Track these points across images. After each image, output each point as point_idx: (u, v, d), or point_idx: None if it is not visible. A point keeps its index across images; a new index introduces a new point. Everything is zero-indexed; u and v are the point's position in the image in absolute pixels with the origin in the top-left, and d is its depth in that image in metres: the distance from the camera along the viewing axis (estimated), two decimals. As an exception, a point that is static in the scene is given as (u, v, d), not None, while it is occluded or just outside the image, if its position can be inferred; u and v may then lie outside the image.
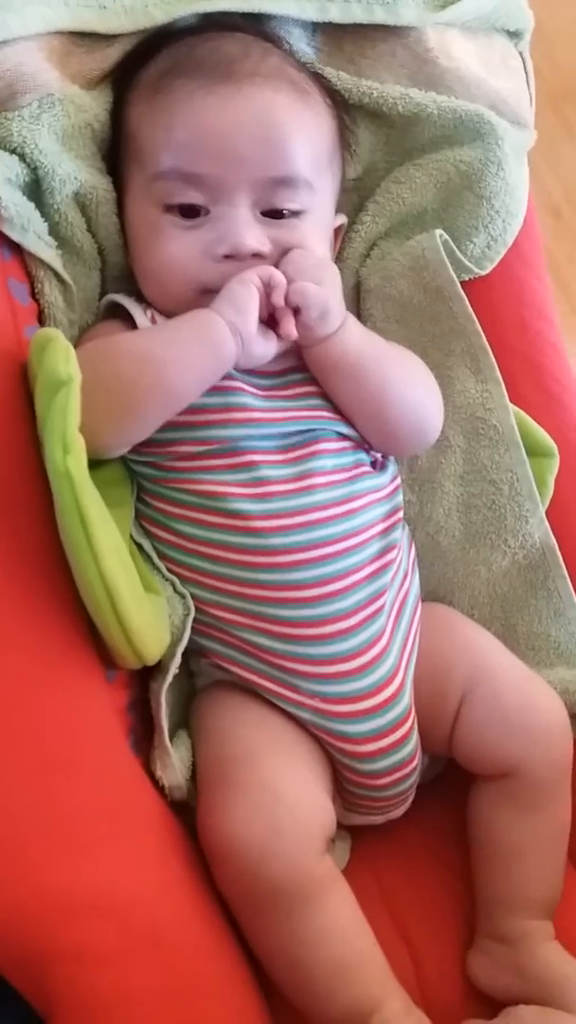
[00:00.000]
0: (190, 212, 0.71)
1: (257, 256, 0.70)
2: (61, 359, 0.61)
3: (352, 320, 0.73)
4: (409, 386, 0.74)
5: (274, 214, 0.72)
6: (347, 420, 0.74)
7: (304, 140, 0.72)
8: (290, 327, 0.68)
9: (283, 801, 0.63)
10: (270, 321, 0.69)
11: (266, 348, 0.69)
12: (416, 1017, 0.64)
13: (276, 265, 0.70)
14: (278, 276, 0.68)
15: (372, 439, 0.75)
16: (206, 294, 0.70)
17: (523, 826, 0.71)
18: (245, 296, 0.67)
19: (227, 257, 0.70)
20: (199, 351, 0.67)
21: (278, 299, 0.68)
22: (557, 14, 0.95)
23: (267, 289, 0.68)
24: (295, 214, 0.72)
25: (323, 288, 0.69)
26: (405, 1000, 0.64)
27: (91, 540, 0.59)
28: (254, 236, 0.70)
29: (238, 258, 0.70)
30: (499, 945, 0.70)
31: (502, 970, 0.69)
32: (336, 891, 0.65)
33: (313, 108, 0.74)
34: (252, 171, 0.70)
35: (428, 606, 0.78)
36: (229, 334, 0.67)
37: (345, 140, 0.80)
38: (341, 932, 0.64)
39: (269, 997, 0.66)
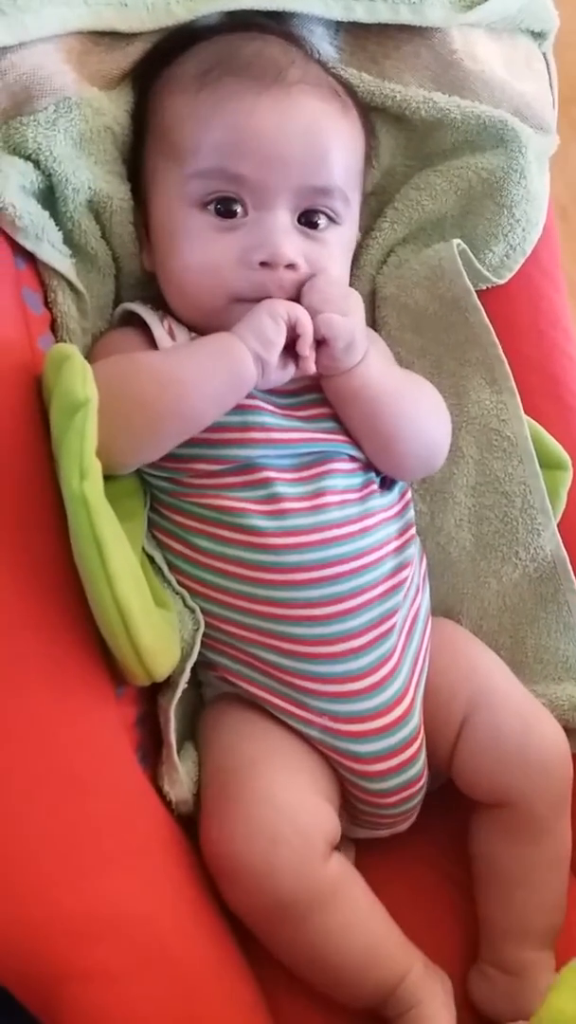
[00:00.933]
0: (228, 211, 0.69)
1: (290, 268, 0.69)
2: (79, 380, 0.60)
3: (372, 352, 0.72)
4: (421, 421, 0.74)
5: (311, 224, 0.71)
6: (357, 444, 0.73)
7: (344, 152, 0.72)
8: (310, 364, 0.68)
9: (283, 813, 0.63)
10: (290, 348, 0.68)
11: (283, 375, 0.68)
12: (434, 975, 0.67)
13: (302, 284, 0.69)
14: (305, 320, 0.67)
15: (379, 465, 0.75)
16: (233, 303, 0.69)
17: (522, 856, 0.71)
18: (273, 331, 0.66)
19: (263, 264, 0.69)
20: (220, 378, 0.66)
21: (302, 347, 0.67)
22: (565, 15, 0.93)
23: (291, 327, 0.67)
24: (330, 224, 0.72)
25: (349, 320, 0.68)
26: (424, 962, 0.67)
27: (106, 564, 0.58)
28: (292, 245, 0.69)
29: (272, 267, 0.68)
30: (501, 974, 0.70)
31: (501, 998, 0.70)
32: (347, 887, 0.66)
33: (350, 119, 0.74)
34: (295, 178, 0.69)
35: (435, 622, 0.78)
36: (252, 364, 0.66)
37: (368, 155, 0.79)
38: (359, 923, 0.65)
39: (272, 997, 0.66)
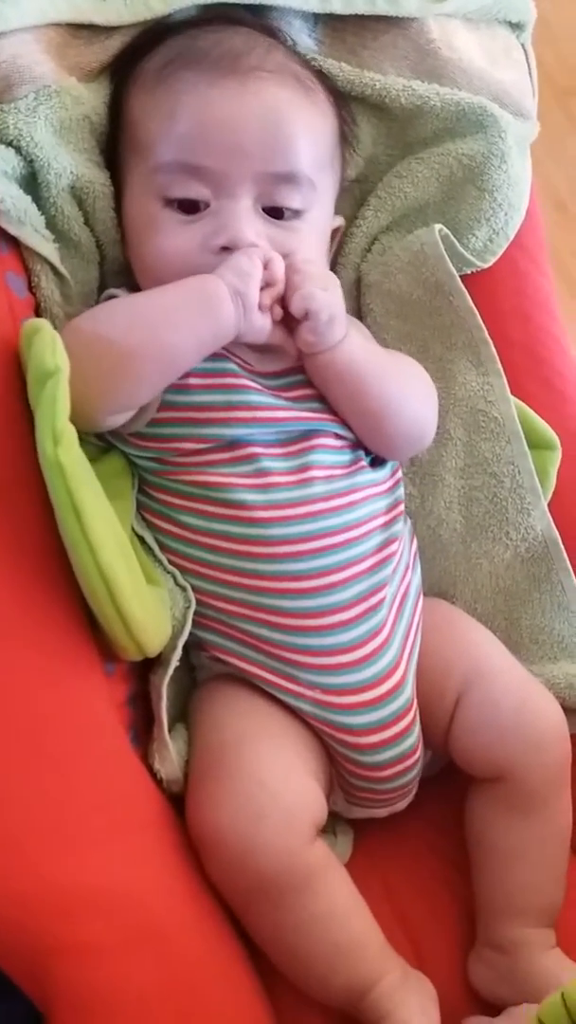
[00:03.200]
0: (191, 207, 0.70)
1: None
2: (48, 349, 0.60)
3: (354, 332, 0.72)
4: (407, 400, 0.74)
5: (275, 213, 0.71)
6: (345, 423, 0.74)
7: (308, 137, 0.72)
8: (275, 315, 0.68)
9: (267, 788, 0.63)
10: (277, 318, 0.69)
11: (265, 321, 0.68)
12: (411, 984, 0.65)
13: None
14: (278, 263, 0.67)
15: (368, 444, 0.75)
16: None
17: (518, 831, 0.70)
18: (248, 264, 0.66)
19: (224, 249, 0.69)
20: (196, 309, 0.66)
21: (263, 297, 0.67)
22: (562, 8, 0.95)
23: (265, 271, 0.67)
24: (296, 214, 0.72)
25: (329, 294, 0.69)
26: (403, 971, 0.65)
27: (87, 532, 0.58)
28: (253, 229, 0.70)
29: (235, 250, 0.69)
30: (498, 955, 0.69)
31: (502, 980, 0.68)
32: (329, 876, 0.65)
33: (318, 105, 0.74)
34: (255, 166, 0.70)
35: (430, 602, 0.78)
36: (228, 295, 0.66)
37: (346, 139, 0.80)
38: (335, 916, 0.64)
39: (270, 983, 0.66)
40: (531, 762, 0.70)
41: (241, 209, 0.70)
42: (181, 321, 0.66)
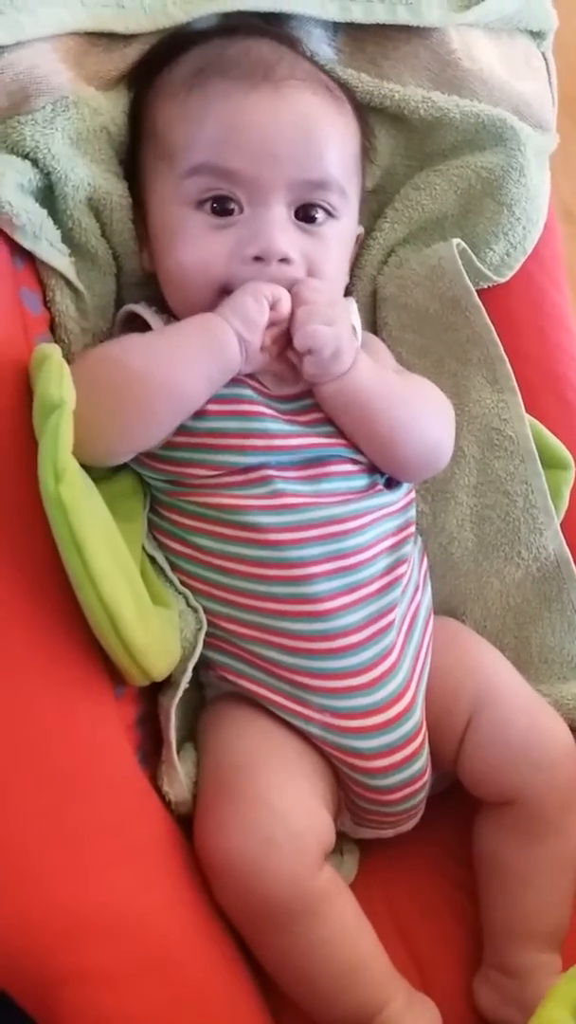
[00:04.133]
0: (223, 209, 0.69)
1: (284, 262, 0.69)
2: (54, 381, 0.60)
3: (362, 358, 0.71)
4: (419, 425, 0.73)
5: (308, 218, 0.71)
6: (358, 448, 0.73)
7: (339, 145, 0.72)
8: (268, 354, 0.68)
9: (276, 813, 0.63)
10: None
11: (265, 357, 0.69)
12: (416, 1009, 0.65)
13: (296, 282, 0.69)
14: (285, 303, 0.67)
15: (382, 468, 0.74)
16: (224, 297, 0.68)
17: (528, 855, 0.70)
18: (255, 311, 0.66)
19: (256, 259, 0.68)
20: (206, 356, 0.66)
21: (265, 338, 0.67)
22: (571, 16, 0.93)
23: (272, 311, 0.67)
24: (326, 221, 0.72)
25: (334, 328, 0.68)
26: (408, 995, 0.65)
27: (88, 565, 0.58)
28: (287, 239, 0.69)
29: (266, 261, 0.68)
30: (505, 978, 0.69)
31: (508, 1004, 0.68)
32: (336, 901, 0.65)
33: (344, 115, 0.74)
34: (289, 172, 0.69)
35: (440, 621, 0.77)
36: (236, 344, 0.66)
37: (365, 149, 0.79)
38: (342, 940, 0.64)
39: (276, 1007, 0.66)
40: (541, 785, 0.69)
41: (275, 217, 0.69)
42: (196, 368, 0.66)
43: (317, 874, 0.64)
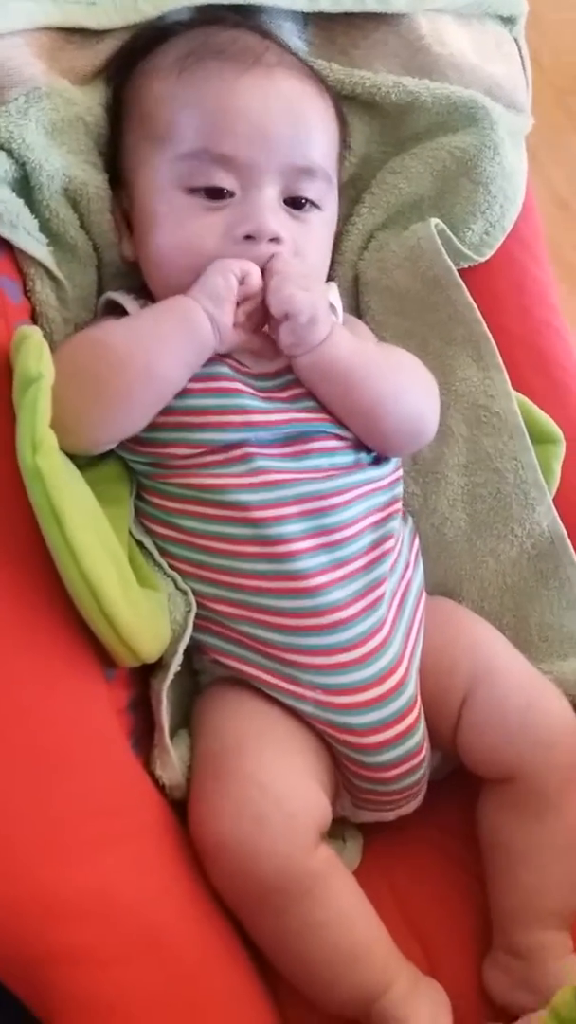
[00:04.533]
0: (215, 195, 0.70)
1: (274, 242, 0.69)
2: (34, 356, 0.60)
3: (339, 330, 0.72)
4: (402, 397, 0.73)
5: (295, 204, 0.72)
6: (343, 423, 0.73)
7: (324, 132, 0.73)
8: (240, 328, 0.68)
9: (269, 793, 0.62)
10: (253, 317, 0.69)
11: (238, 335, 0.69)
12: (422, 992, 0.64)
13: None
14: (255, 276, 0.67)
15: (367, 442, 0.74)
16: None
17: (531, 833, 0.68)
18: (224, 289, 0.66)
19: (248, 238, 0.69)
20: (182, 339, 0.67)
21: (251, 290, 0.67)
22: (559, 6, 0.94)
23: (242, 285, 0.67)
24: (313, 207, 0.72)
25: (309, 294, 0.68)
26: (412, 976, 0.64)
27: (68, 538, 0.58)
28: (277, 220, 0.70)
29: (258, 239, 0.69)
30: (514, 959, 0.67)
31: (518, 986, 0.67)
32: (333, 881, 0.64)
33: (328, 105, 0.75)
34: (280, 157, 0.70)
35: (434, 600, 0.77)
36: (208, 322, 0.66)
37: (344, 138, 0.79)
38: (341, 923, 0.63)
39: (276, 991, 0.65)
40: (541, 762, 0.68)
41: (267, 199, 0.70)
42: (173, 352, 0.67)
43: (312, 854, 0.62)
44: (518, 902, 0.69)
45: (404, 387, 0.74)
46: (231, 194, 0.70)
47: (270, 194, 0.70)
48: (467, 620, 0.77)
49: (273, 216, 0.70)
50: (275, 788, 0.63)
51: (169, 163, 0.71)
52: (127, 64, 0.75)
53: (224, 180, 0.69)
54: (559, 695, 0.72)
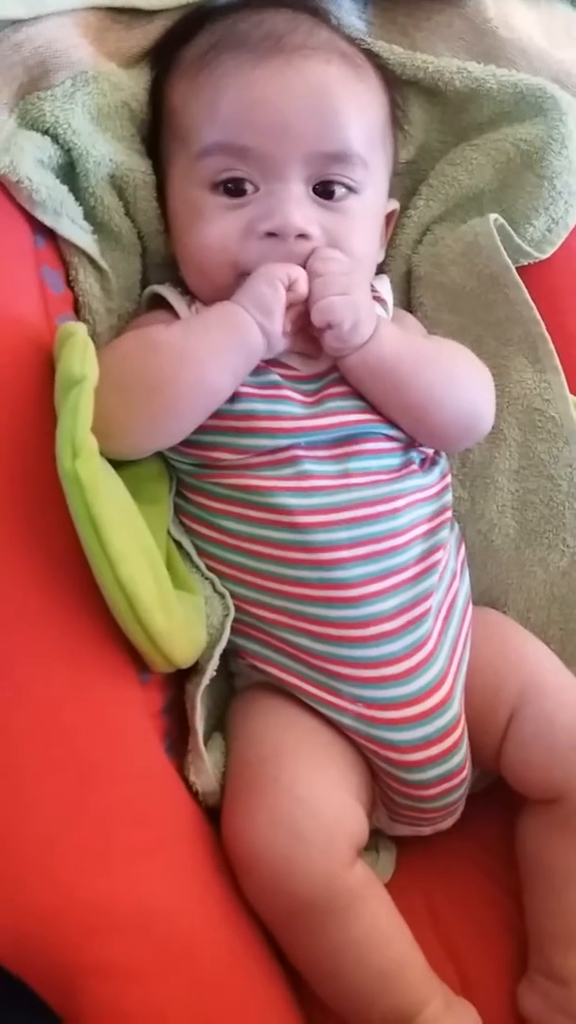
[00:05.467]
0: (237, 190, 0.68)
1: (303, 238, 0.67)
2: (77, 356, 0.58)
3: (385, 324, 0.69)
4: (454, 387, 0.70)
5: (327, 193, 0.69)
6: (393, 422, 0.70)
7: (357, 114, 0.69)
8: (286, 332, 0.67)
9: (306, 806, 0.60)
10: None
11: (285, 342, 0.67)
12: (456, 1013, 0.62)
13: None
14: (302, 282, 0.65)
15: (420, 439, 0.72)
16: (242, 278, 0.67)
17: (572, 855, 0.66)
18: (271, 298, 0.64)
19: (270, 235, 0.67)
20: (233, 350, 0.65)
21: (286, 323, 0.66)
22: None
23: (290, 291, 0.65)
24: (348, 194, 0.69)
25: (350, 298, 0.66)
26: (446, 998, 0.63)
27: (105, 546, 0.56)
28: (303, 214, 0.67)
29: (282, 237, 0.66)
30: (554, 985, 0.65)
31: (557, 1012, 0.64)
32: (370, 899, 0.62)
33: (365, 82, 0.71)
34: (303, 145, 0.67)
35: (480, 612, 0.74)
36: (259, 332, 0.65)
37: (397, 119, 0.76)
38: (377, 941, 0.61)
39: (308, 1008, 0.64)
40: None
41: (291, 192, 0.67)
42: (224, 363, 0.65)
43: (349, 871, 0.61)
44: (561, 926, 0.66)
45: (455, 378, 0.71)
46: (254, 189, 0.68)
47: (295, 187, 0.67)
48: (513, 633, 0.75)
49: (298, 210, 0.67)
50: (312, 802, 0.61)
51: (191, 162, 0.69)
52: (165, 53, 0.73)
53: (245, 173, 0.67)
54: None
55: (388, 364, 0.68)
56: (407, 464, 0.71)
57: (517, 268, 0.77)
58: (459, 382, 0.71)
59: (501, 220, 0.77)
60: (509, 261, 0.76)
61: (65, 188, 0.68)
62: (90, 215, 0.70)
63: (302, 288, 0.65)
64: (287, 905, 0.60)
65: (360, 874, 0.62)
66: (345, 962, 0.61)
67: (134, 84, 0.72)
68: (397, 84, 0.77)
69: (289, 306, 0.65)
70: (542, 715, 0.68)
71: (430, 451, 0.74)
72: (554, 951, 0.66)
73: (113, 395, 0.60)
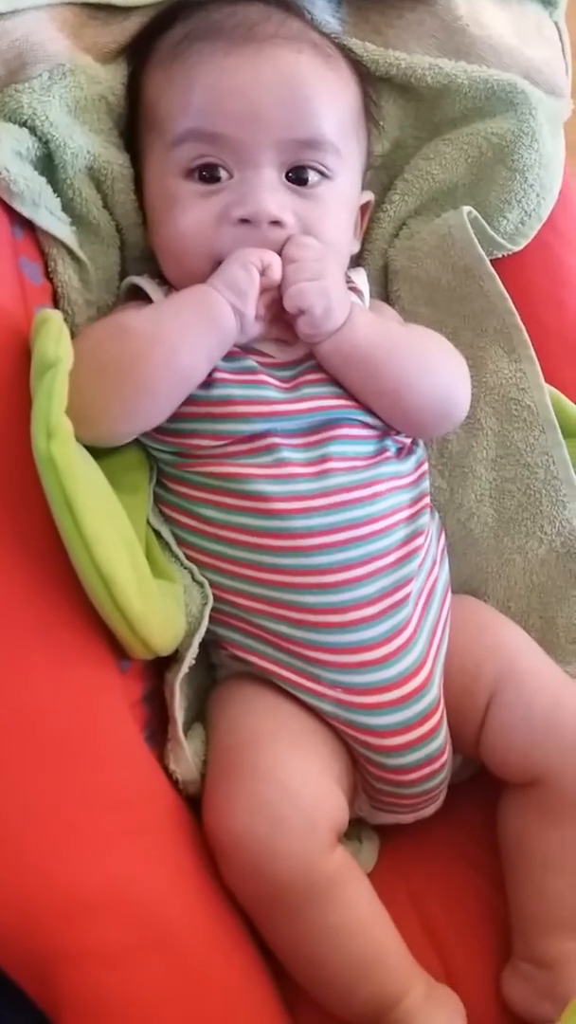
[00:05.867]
0: (211, 176, 0.68)
1: (276, 225, 0.67)
2: (52, 341, 0.58)
3: (359, 311, 0.70)
4: (429, 373, 0.71)
5: (299, 180, 0.69)
6: (369, 409, 0.71)
7: (329, 102, 0.70)
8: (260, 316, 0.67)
9: (287, 791, 0.60)
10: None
11: (258, 327, 0.67)
12: (437, 1001, 0.62)
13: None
14: (276, 267, 0.66)
15: (396, 425, 0.72)
16: (217, 265, 0.67)
17: (555, 838, 0.66)
18: (245, 281, 0.65)
19: (243, 221, 0.67)
20: (204, 330, 0.65)
21: (272, 281, 0.66)
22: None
23: (263, 276, 0.65)
24: (321, 181, 0.70)
25: (322, 283, 0.66)
26: (428, 986, 0.62)
27: (81, 528, 0.56)
28: (276, 201, 0.67)
29: (255, 223, 0.67)
30: (537, 969, 0.65)
31: (541, 997, 0.64)
32: (350, 885, 0.62)
33: (336, 71, 0.72)
34: (275, 132, 0.67)
35: (459, 599, 0.75)
36: (231, 314, 0.65)
37: (370, 112, 0.77)
38: (356, 927, 0.61)
39: (290, 998, 0.63)
40: (567, 765, 0.66)
41: (263, 179, 0.67)
42: (196, 343, 0.65)
43: (329, 856, 0.61)
44: (543, 910, 0.66)
45: (430, 364, 0.71)
46: (228, 176, 0.68)
47: (267, 174, 0.68)
48: (490, 619, 0.75)
49: (271, 196, 0.67)
50: (292, 786, 0.61)
51: (166, 150, 0.69)
52: (140, 47, 0.74)
53: (218, 161, 0.68)
54: None
55: (362, 351, 0.68)
56: (382, 452, 0.71)
57: (491, 261, 0.78)
58: (434, 368, 0.71)
59: (475, 213, 0.77)
60: (483, 252, 0.77)
61: (43, 180, 0.68)
62: (68, 207, 0.70)
63: (275, 273, 0.66)
64: (266, 890, 0.60)
65: (340, 860, 0.62)
66: (324, 949, 0.60)
67: (111, 78, 0.73)
68: (371, 80, 0.78)
69: (263, 291, 0.66)
70: (520, 699, 0.68)
71: (406, 440, 0.74)
72: (537, 937, 0.66)
73: (86, 379, 0.59)
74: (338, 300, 0.67)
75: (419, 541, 0.70)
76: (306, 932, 0.60)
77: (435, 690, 0.68)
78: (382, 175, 0.82)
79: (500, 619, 0.75)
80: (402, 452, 0.73)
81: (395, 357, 0.69)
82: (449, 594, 0.73)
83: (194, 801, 0.65)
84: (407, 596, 0.68)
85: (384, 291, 0.82)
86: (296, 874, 0.59)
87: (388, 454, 0.71)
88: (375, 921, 0.63)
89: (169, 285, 0.73)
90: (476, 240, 0.77)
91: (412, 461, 0.74)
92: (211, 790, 0.63)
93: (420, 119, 0.81)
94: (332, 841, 0.62)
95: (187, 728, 0.68)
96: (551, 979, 0.65)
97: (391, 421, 0.71)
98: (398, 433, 0.73)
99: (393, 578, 0.68)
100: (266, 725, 0.65)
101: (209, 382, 0.68)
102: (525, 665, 0.71)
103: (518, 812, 0.68)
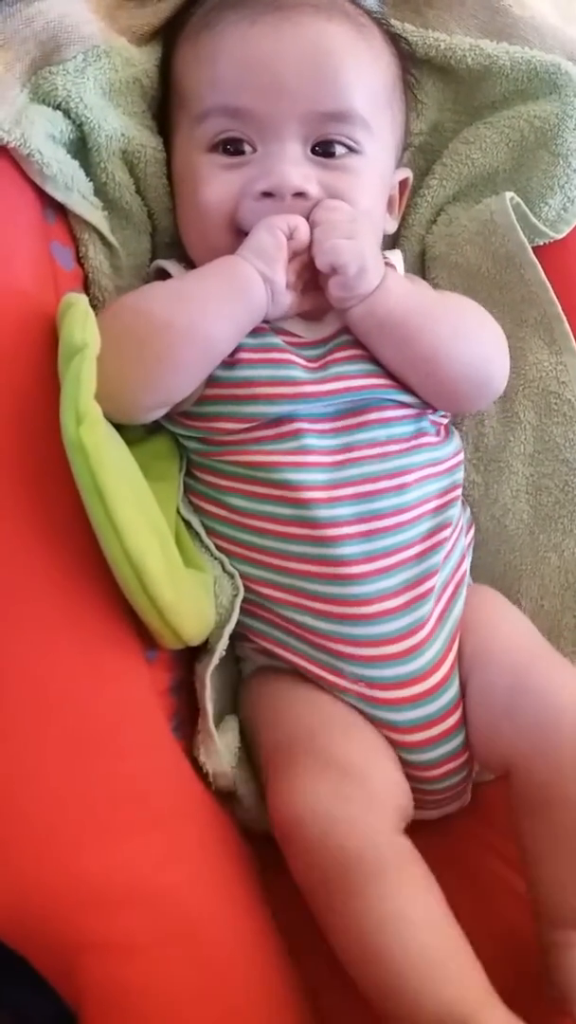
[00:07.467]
0: (235, 149, 0.67)
1: (301, 196, 0.66)
2: (78, 325, 0.57)
3: (392, 275, 0.68)
4: (465, 339, 0.68)
5: (326, 153, 0.67)
6: (403, 385, 0.69)
7: (359, 73, 0.68)
8: (291, 284, 0.65)
9: (350, 772, 0.59)
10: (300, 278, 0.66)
11: (291, 298, 0.66)
12: None
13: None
14: (304, 231, 0.64)
15: (432, 399, 0.70)
16: (241, 238, 0.66)
17: (532, 829, 0.62)
18: (273, 246, 0.63)
19: (266, 195, 0.66)
20: (231, 298, 0.64)
21: (300, 245, 0.64)
22: None
23: (291, 240, 0.64)
24: (349, 152, 0.68)
25: (356, 243, 0.64)
26: (507, 1016, 0.53)
27: (111, 515, 0.55)
28: (300, 173, 0.66)
29: (279, 196, 0.65)
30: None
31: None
32: (417, 870, 0.57)
33: (369, 41, 0.70)
34: (301, 105, 0.66)
35: (472, 588, 0.72)
36: (260, 282, 0.63)
37: (408, 85, 0.75)
38: (425, 919, 0.55)
39: (312, 986, 0.61)
40: (533, 750, 0.61)
41: (286, 153, 0.66)
42: (221, 311, 0.64)
43: (395, 836, 0.58)
44: (538, 899, 0.63)
45: (466, 330, 0.69)
46: (252, 150, 0.67)
47: (291, 147, 0.66)
48: (477, 600, 0.71)
49: (295, 169, 0.66)
50: (355, 769, 0.60)
51: (192, 126, 0.68)
52: (174, 22, 0.72)
53: (240, 134, 0.66)
54: (561, 671, 0.65)
55: (396, 316, 0.66)
56: (420, 434, 0.69)
57: (532, 248, 0.76)
58: (471, 335, 0.69)
59: (517, 199, 0.76)
60: (525, 240, 0.75)
61: (76, 163, 0.68)
62: (101, 191, 0.70)
63: (303, 235, 0.64)
64: (328, 863, 0.56)
65: (407, 844, 0.58)
66: (387, 939, 0.54)
67: (146, 60, 0.72)
68: (411, 57, 0.76)
69: (292, 257, 0.64)
70: (485, 683, 0.65)
71: (444, 420, 0.72)
72: (541, 926, 0.63)
73: (108, 353, 0.58)
74: (372, 262, 0.65)
75: (444, 534, 0.69)
76: (368, 915, 0.55)
77: (455, 687, 0.67)
78: (419, 159, 0.81)
79: (487, 599, 0.72)
80: (440, 434, 0.71)
81: (430, 324, 0.67)
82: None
83: (223, 794, 0.65)
84: (430, 590, 0.67)
85: (421, 278, 0.80)
86: (361, 843, 0.56)
87: (427, 437, 0.70)
88: (444, 919, 0.56)
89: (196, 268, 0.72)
90: (518, 227, 0.75)
91: (451, 448, 0.72)
92: (275, 781, 0.61)
93: (460, 102, 0.79)
94: (398, 822, 0.59)
95: (217, 720, 0.67)
96: (549, 967, 0.62)
97: (426, 395, 0.69)
98: (435, 411, 0.71)
99: (416, 571, 0.67)
100: (314, 716, 0.64)
101: (232, 363, 0.66)
102: (493, 646, 0.67)
103: (513, 807, 0.64)
